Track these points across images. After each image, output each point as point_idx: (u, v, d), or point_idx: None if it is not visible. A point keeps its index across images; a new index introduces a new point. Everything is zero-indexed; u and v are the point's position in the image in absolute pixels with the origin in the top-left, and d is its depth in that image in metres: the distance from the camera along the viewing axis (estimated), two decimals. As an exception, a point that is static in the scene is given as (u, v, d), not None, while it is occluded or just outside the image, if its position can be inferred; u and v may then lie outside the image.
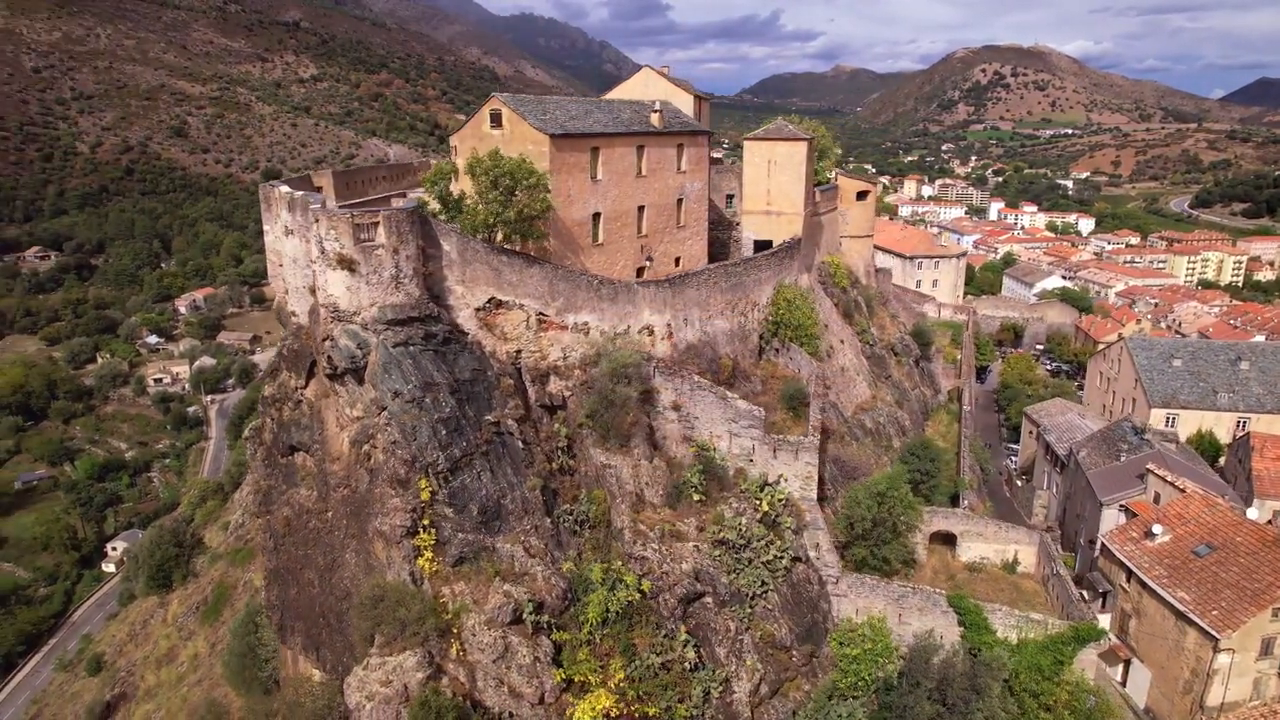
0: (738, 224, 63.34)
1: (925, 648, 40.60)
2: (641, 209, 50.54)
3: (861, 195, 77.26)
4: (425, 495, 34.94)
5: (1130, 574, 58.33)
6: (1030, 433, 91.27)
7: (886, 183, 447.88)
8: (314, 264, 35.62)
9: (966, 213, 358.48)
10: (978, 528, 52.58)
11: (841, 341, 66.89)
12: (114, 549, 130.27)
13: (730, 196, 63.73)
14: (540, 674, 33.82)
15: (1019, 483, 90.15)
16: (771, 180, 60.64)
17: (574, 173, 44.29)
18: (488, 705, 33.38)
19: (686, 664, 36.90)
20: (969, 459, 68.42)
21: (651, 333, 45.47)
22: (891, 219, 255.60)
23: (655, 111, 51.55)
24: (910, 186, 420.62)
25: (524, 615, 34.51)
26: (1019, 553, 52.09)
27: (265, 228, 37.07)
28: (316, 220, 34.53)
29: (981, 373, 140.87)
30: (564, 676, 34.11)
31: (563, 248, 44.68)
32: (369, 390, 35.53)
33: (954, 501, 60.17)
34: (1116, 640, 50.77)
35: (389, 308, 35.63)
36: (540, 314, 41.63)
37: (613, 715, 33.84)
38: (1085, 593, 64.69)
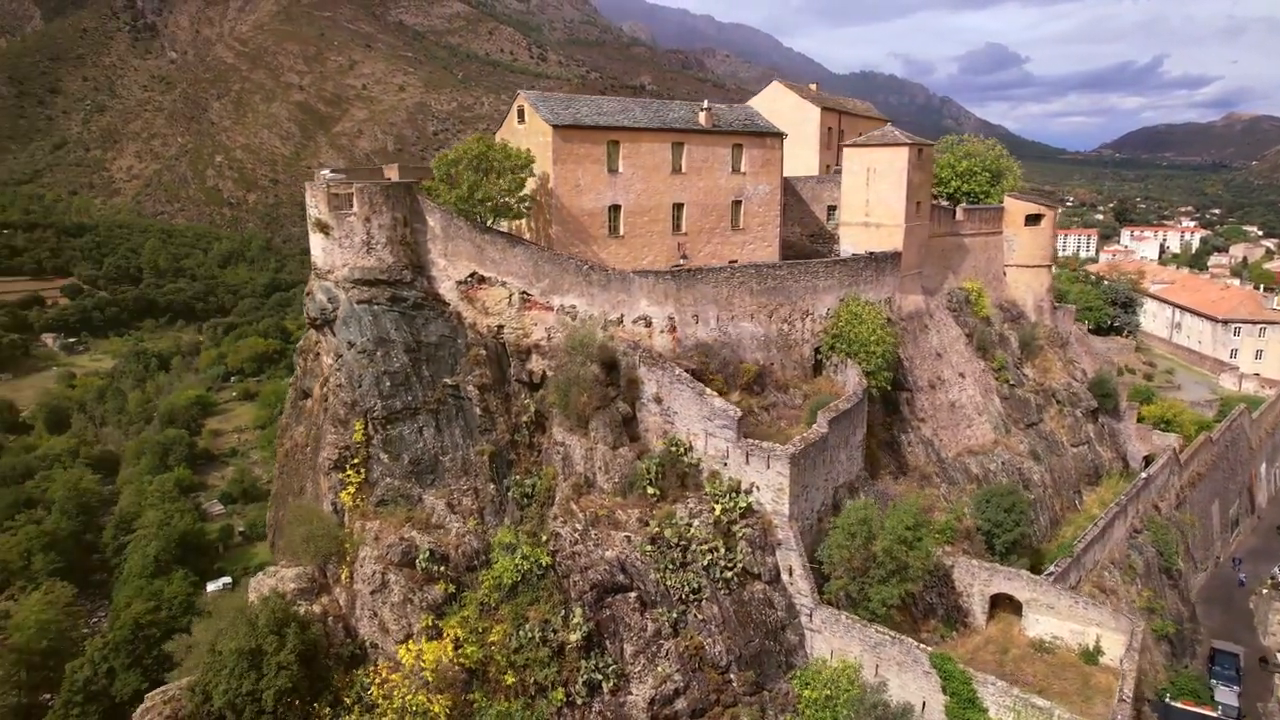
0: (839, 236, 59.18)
1: (862, 699, 34.39)
2: (679, 206, 50.01)
3: (1033, 220, 66.82)
4: (359, 437, 38.53)
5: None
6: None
7: (1272, 247, 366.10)
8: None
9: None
10: (1047, 598, 42.61)
11: (961, 375, 58.52)
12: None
13: (832, 208, 59.74)
14: (409, 615, 35.13)
15: (1264, 591, 69.70)
16: (870, 190, 55.85)
17: (584, 163, 45.68)
18: (360, 634, 35.56)
19: (569, 645, 35.47)
20: (1109, 531, 54.79)
21: (649, 324, 44.66)
22: (1268, 290, 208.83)
23: (703, 110, 50.91)
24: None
25: (416, 560, 36.17)
26: (1102, 639, 41.16)
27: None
28: (306, 189, 40.52)
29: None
30: (431, 622, 34.94)
31: (569, 235, 46.12)
32: (335, 340, 40.32)
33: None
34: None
35: (359, 269, 40.22)
36: (524, 293, 43.46)
37: (466, 666, 34.00)
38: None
